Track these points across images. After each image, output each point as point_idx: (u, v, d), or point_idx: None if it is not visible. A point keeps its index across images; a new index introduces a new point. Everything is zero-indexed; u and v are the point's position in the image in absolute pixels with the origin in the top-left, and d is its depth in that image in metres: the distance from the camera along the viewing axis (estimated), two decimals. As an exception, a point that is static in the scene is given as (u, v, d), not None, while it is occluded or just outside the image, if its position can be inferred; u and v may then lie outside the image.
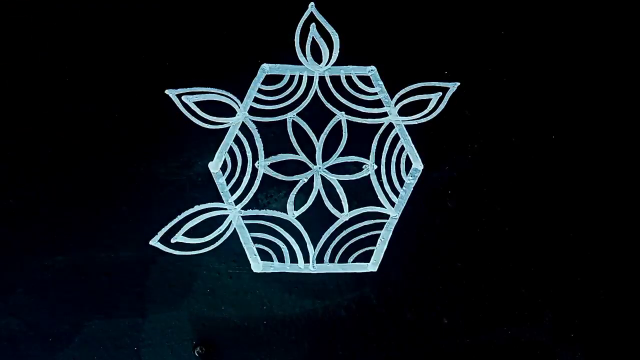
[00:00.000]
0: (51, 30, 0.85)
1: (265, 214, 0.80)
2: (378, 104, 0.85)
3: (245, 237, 0.79)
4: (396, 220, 0.80)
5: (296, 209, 0.80)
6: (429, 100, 0.84)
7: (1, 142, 0.81)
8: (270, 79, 0.85)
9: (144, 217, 0.79)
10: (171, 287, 0.77)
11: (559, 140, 0.84)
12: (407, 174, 0.82)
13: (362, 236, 0.80)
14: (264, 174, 0.82)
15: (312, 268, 0.78)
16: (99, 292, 0.77)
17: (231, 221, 0.80)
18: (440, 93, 0.85)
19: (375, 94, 0.85)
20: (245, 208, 0.80)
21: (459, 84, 0.85)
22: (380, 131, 0.84)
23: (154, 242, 0.78)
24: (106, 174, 0.80)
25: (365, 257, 0.79)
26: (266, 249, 0.79)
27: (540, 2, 0.89)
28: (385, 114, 0.84)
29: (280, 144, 0.83)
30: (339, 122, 0.84)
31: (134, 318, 0.76)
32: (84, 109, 0.83)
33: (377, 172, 0.82)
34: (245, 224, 0.80)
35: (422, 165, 0.82)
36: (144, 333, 0.75)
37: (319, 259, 0.79)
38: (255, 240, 0.79)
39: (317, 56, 0.86)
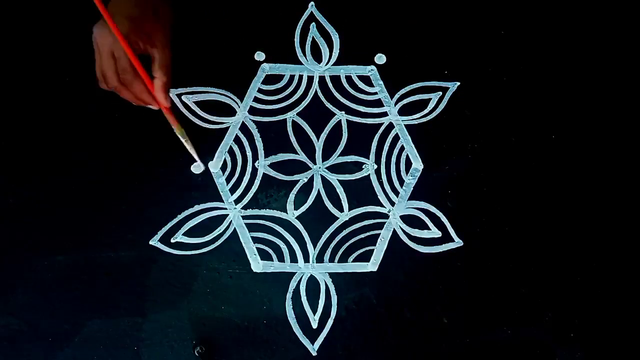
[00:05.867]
0: (51, 30, 0.85)
1: (265, 214, 0.80)
2: (378, 103, 0.85)
3: (245, 237, 0.79)
4: (397, 220, 0.80)
5: (296, 208, 0.81)
6: (429, 100, 0.85)
7: (1, 142, 0.81)
8: (270, 79, 0.85)
9: (144, 217, 0.79)
10: (171, 287, 0.77)
11: (559, 140, 0.84)
12: (407, 173, 0.82)
13: (362, 236, 0.80)
14: (264, 174, 0.82)
15: (312, 268, 0.78)
16: (99, 292, 0.77)
17: (231, 221, 0.80)
18: (440, 93, 0.85)
19: (375, 93, 0.85)
20: (245, 208, 0.80)
21: (459, 83, 0.85)
22: (380, 131, 0.84)
23: (154, 242, 0.78)
24: (106, 174, 0.80)
25: (365, 257, 0.79)
26: (266, 248, 0.79)
27: (540, 2, 0.89)
28: (385, 114, 0.84)
29: (280, 144, 0.83)
30: (339, 122, 0.84)
31: (134, 318, 0.76)
32: (83, 109, 0.83)
33: (377, 172, 0.83)
34: (245, 224, 0.80)
35: (422, 165, 0.82)
36: (144, 333, 0.75)
37: (319, 259, 0.79)
38: (255, 239, 0.79)
39: (317, 56, 0.86)
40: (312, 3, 0.88)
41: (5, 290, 0.76)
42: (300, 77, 0.85)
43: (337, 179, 0.82)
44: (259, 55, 0.85)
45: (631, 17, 0.89)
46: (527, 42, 0.87)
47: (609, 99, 0.85)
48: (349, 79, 0.86)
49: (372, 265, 0.79)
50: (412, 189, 0.82)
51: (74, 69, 0.84)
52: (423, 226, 0.80)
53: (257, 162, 0.82)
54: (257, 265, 0.78)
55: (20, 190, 0.80)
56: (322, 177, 0.82)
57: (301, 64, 0.86)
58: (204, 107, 0.83)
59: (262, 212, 0.81)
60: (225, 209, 0.80)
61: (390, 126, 0.84)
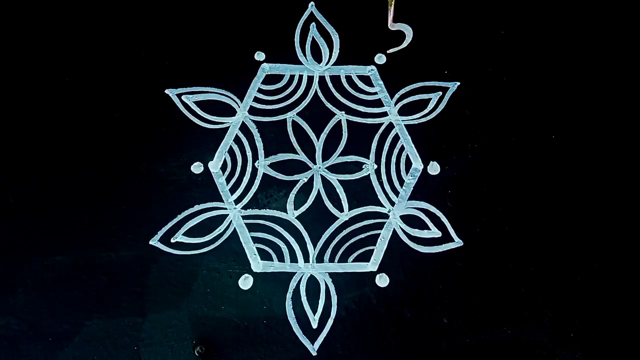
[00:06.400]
0: (51, 30, 0.85)
1: (265, 214, 0.80)
2: (378, 103, 0.85)
3: (245, 237, 0.79)
4: (397, 220, 0.80)
5: (296, 208, 0.80)
6: (429, 99, 0.85)
7: (1, 142, 0.81)
8: (270, 79, 0.85)
9: (144, 217, 0.79)
10: (171, 287, 0.77)
11: (559, 140, 0.84)
12: (407, 173, 0.82)
13: (362, 236, 0.80)
14: (264, 174, 0.82)
15: (312, 267, 0.78)
16: (99, 292, 0.77)
17: (231, 221, 0.80)
18: (440, 93, 0.85)
19: (375, 93, 0.85)
20: (245, 208, 0.80)
21: (459, 83, 0.85)
22: (380, 131, 0.84)
23: (154, 241, 0.78)
24: (106, 174, 0.80)
25: (365, 257, 0.79)
26: (266, 248, 0.79)
27: (540, 2, 0.89)
28: (385, 114, 0.84)
29: (280, 144, 0.83)
30: (339, 122, 0.84)
31: (134, 318, 0.76)
32: (84, 109, 0.83)
33: (377, 172, 0.82)
34: (245, 224, 0.80)
35: (422, 165, 0.82)
36: (144, 332, 0.75)
37: (319, 259, 0.79)
38: (255, 239, 0.79)
39: (317, 56, 0.86)
40: (312, 3, 0.88)
41: (5, 290, 0.76)
42: (300, 77, 0.85)
43: (337, 179, 0.82)
44: (259, 55, 0.85)
45: (631, 17, 0.88)
46: (527, 42, 0.87)
47: (609, 99, 0.85)
48: (349, 79, 0.86)
49: (372, 265, 0.79)
50: (412, 189, 0.82)
51: (74, 69, 0.84)
52: (423, 226, 0.80)
53: (257, 162, 0.82)
54: (257, 265, 0.78)
55: (20, 190, 0.80)
56: (322, 177, 0.82)
57: (301, 64, 0.86)
58: (204, 107, 0.83)
59: (262, 212, 0.81)
60: (225, 209, 0.80)
61: (390, 126, 0.84)
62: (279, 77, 0.85)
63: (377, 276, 0.78)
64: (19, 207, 0.79)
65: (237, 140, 0.83)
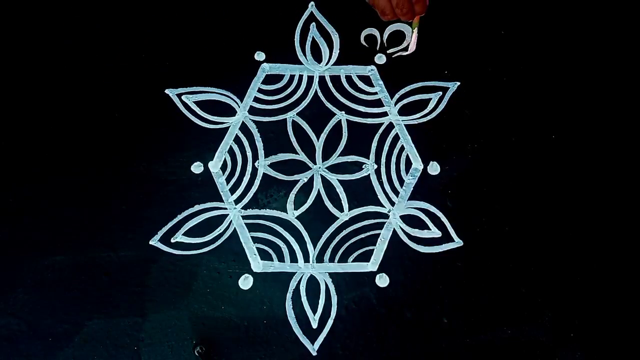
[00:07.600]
0: (50, 30, 0.85)
1: (265, 214, 0.80)
2: (378, 103, 0.85)
3: (245, 237, 0.79)
4: (397, 220, 0.80)
5: (296, 208, 0.80)
6: (429, 100, 0.85)
7: (1, 142, 0.81)
8: (270, 79, 0.85)
9: (144, 217, 0.79)
10: (171, 287, 0.77)
11: (559, 140, 0.84)
12: (407, 173, 0.82)
13: (362, 236, 0.80)
14: (264, 174, 0.82)
15: (312, 267, 0.78)
16: (99, 292, 0.76)
17: (231, 221, 0.80)
18: (440, 93, 0.85)
19: (375, 93, 0.85)
20: (245, 208, 0.80)
21: (459, 83, 0.85)
22: (380, 131, 0.84)
23: (154, 241, 0.78)
24: (106, 174, 0.80)
25: (365, 257, 0.79)
26: (266, 248, 0.79)
27: (540, 2, 0.89)
28: (385, 114, 0.84)
29: (280, 144, 0.83)
30: (339, 122, 0.84)
31: (134, 318, 0.76)
32: (83, 109, 0.83)
33: (377, 172, 0.83)
34: (245, 224, 0.80)
35: (422, 165, 0.82)
36: (144, 332, 0.75)
37: (319, 259, 0.79)
38: (255, 239, 0.79)
39: (317, 56, 0.86)
40: (312, 3, 0.88)
41: (5, 290, 0.76)
42: (300, 77, 0.85)
43: (337, 179, 0.82)
44: (259, 55, 0.85)
45: (631, 17, 0.89)
46: (527, 42, 0.87)
47: (609, 99, 0.85)
48: (349, 78, 0.86)
49: (372, 265, 0.79)
50: (412, 189, 0.82)
51: (73, 69, 0.84)
52: (423, 226, 0.80)
53: (257, 162, 0.82)
54: (257, 265, 0.78)
55: (20, 190, 0.80)
56: (322, 177, 0.82)
57: (301, 63, 0.86)
58: (204, 107, 0.83)
59: (262, 212, 0.81)
60: (225, 209, 0.80)
61: (390, 126, 0.84)
62: (279, 77, 0.85)
63: (377, 276, 0.78)
64: (19, 207, 0.79)
65: (237, 140, 0.83)
